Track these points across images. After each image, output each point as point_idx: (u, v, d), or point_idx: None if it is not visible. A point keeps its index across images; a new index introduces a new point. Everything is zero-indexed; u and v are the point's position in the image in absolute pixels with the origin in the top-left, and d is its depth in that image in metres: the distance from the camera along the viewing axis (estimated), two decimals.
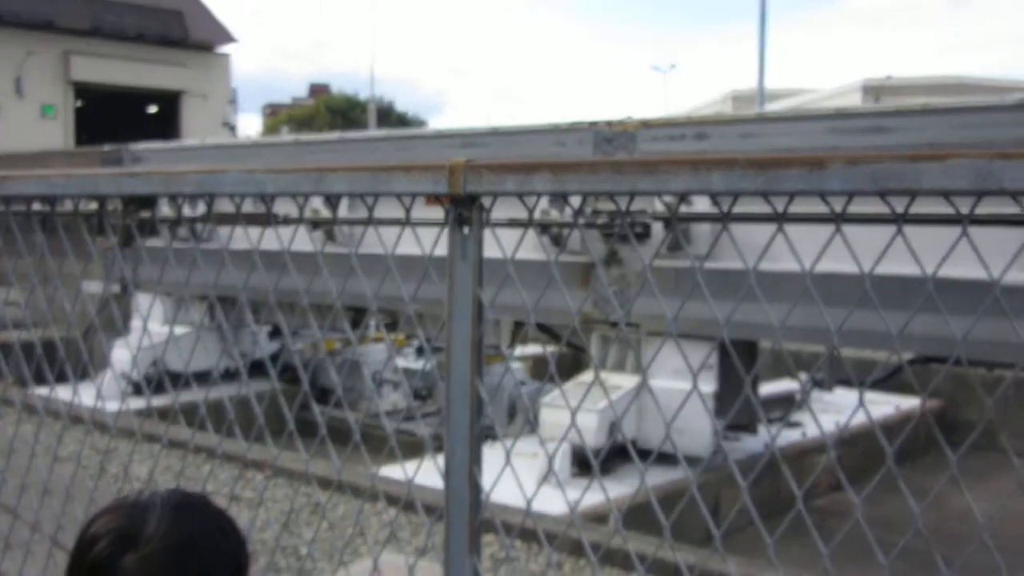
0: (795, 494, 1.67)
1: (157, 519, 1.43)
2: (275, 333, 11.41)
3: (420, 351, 11.37)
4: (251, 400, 2.37)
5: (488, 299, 1.79)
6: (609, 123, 7.65)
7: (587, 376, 8.57)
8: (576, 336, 10.52)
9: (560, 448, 7.54)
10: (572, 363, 12.73)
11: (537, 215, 7.79)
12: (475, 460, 1.78)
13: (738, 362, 1.85)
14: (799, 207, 1.58)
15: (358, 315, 9.99)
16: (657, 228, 7.43)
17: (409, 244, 2.15)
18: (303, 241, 2.43)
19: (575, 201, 1.80)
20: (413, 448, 9.54)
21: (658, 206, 7.16)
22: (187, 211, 9.81)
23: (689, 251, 7.46)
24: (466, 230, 1.77)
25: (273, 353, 10.71)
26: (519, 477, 1.90)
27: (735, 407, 2.03)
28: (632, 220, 7.27)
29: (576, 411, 1.85)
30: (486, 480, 1.82)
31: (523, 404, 9.54)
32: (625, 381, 8.05)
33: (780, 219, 1.58)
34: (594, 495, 6.35)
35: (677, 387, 6.94)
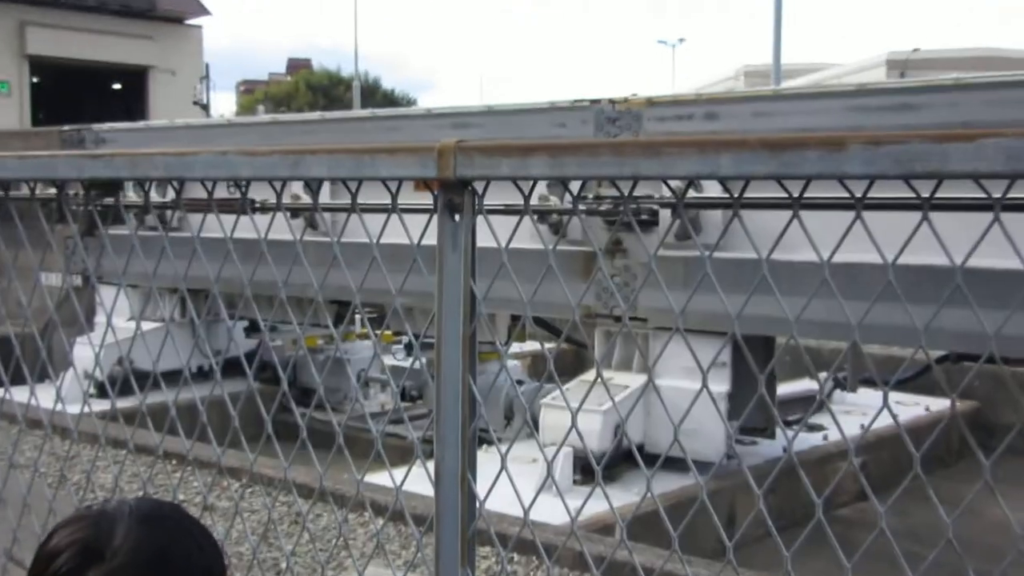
0: (815, 502, 1.68)
1: (125, 530, 1.42)
2: (252, 329, 11.41)
3: (409, 348, 11.39)
4: (226, 401, 2.38)
5: (481, 292, 1.79)
6: (613, 101, 7.65)
7: (590, 375, 8.58)
8: (577, 332, 10.52)
9: (561, 453, 7.55)
10: (573, 361, 12.74)
11: (534, 201, 7.78)
12: (468, 465, 1.79)
13: (751, 360, 1.86)
14: (817, 192, 1.59)
15: (342, 309, 10.00)
16: (664, 215, 7.43)
17: (396, 232, 2.16)
18: (281, 229, 2.43)
19: (575, 186, 1.81)
20: (402, 453, 9.54)
21: (665, 192, 7.17)
22: (155, 197, 9.81)
23: (698, 240, 7.49)
24: (457, 217, 1.77)
25: (250, 351, 10.72)
26: (516, 484, 1.91)
27: (749, 408, 2.04)
28: (637, 206, 7.27)
29: (577, 412, 1.85)
30: (480, 487, 1.83)
31: (520, 405, 9.55)
32: (631, 380, 8.05)
33: (796, 205, 1.59)
34: (598, 503, 6.34)
35: (687, 387, 6.94)
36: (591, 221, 7.67)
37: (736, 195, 1.66)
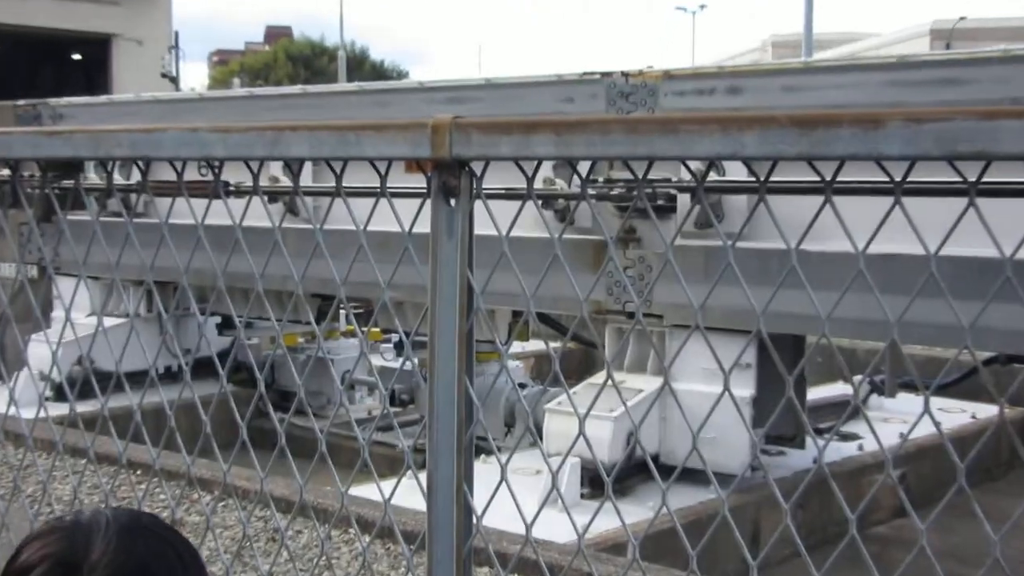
0: (849, 518, 1.68)
1: (103, 543, 1.43)
2: (226, 325, 11.42)
3: (399, 347, 11.40)
4: (196, 405, 2.38)
5: (480, 284, 1.80)
6: (626, 74, 7.65)
7: (599, 377, 8.58)
8: (586, 329, 10.52)
9: (567, 463, 7.56)
10: (582, 362, 12.76)
11: (539, 184, 7.79)
12: (464, 476, 1.79)
13: (779, 361, 1.86)
14: (851, 175, 1.59)
15: (325, 304, 10.01)
16: (683, 201, 7.44)
17: (385, 219, 2.15)
18: (258, 215, 2.43)
19: (583, 168, 1.81)
20: (392, 463, 9.56)
21: (684, 175, 7.17)
22: (118, 179, 9.81)
23: (720, 228, 7.48)
24: (453, 202, 1.77)
25: (223, 349, 10.72)
26: (517, 498, 1.91)
27: (775, 413, 2.04)
28: (652, 191, 7.27)
29: (584, 418, 1.86)
30: (478, 501, 1.84)
31: (522, 411, 9.56)
32: (645, 383, 8.06)
33: (828, 189, 1.59)
34: (608, 520, 6.36)
35: (708, 391, 6.95)
36: (601, 207, 7.67)
37: (762, 178, 1.66)
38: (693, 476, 6.95)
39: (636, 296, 7.65)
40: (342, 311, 10.93)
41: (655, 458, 7.99)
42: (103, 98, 13.25)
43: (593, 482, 7.81)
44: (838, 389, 10.80)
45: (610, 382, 1.85)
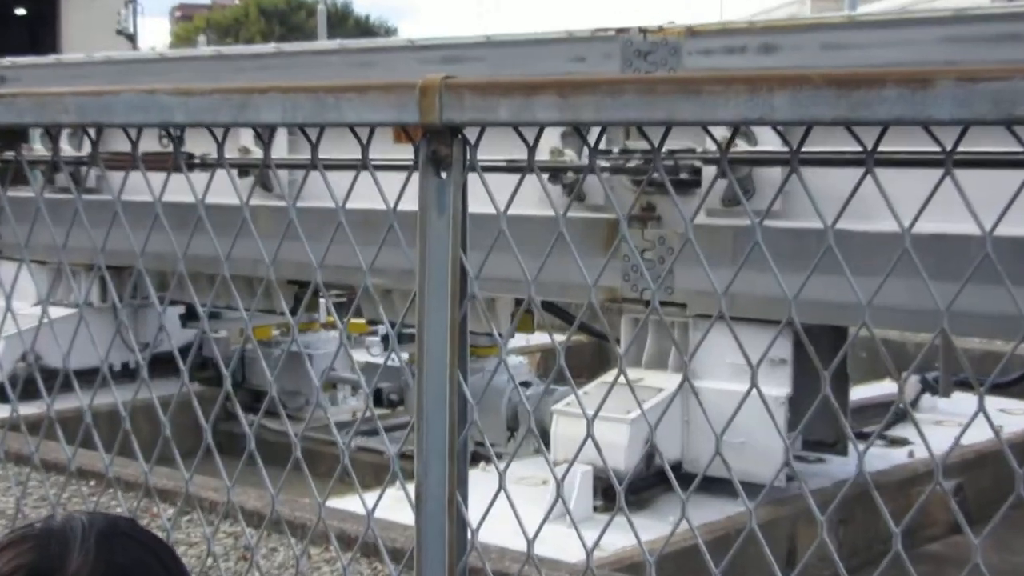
0: (893, 532, 1.69)
1: (80, 552, 1.45)
2: (190, 316, 11.42)
3: (387, 340, 11.40)
4: (155, 406, 2.38)
5: (475, 267, 1.80)
6: (644, 31, 7.63)
7: (613, 375, 8.58)
8: (598, 320, 10.51)
9: (577, 472, 7.58)
10: (594, 357, 12.76)
11: (544, 155, 7.79)
12: (457, 484, 1.80)
13: (814, 356, 1.86)
14: (897, 144, 1.59)
15: (302, 292, 10.01)
16: (709, 174, 7.43)
17: (371, 195, 2.15)
18: (225, 191, 2.43)
19: (594, 136, 1.81)
20: (377, 471, 9.56)
21: (710, 144, 7.16)
22: (67, 149, 9.80)
23: (748, 205, 7.47)
24: (443, 174, 1.77)
25: (187, 343, 10.73)
26: (520, 510, 1.91)
27: (809, 414, 2.04)
28: (674, 162, 7.26)
29: (593, 420, 1.86)
30: (473, 513, 1.84)
31: (526, 412, 9.57)
32: (665, 381, 8.06)
33: (869, 159, 1.59)
34: (623, 536, 6.35)
35: (737, 389, 6.91)
36: (616, 181, 7.66)
37: (795, 147, 1.66)
38: (721, 487, 6.95)
39: (651, 282, 7.64)
40: (322, 300, 10.93)
41: (677, 466, 7.99)
42: (50, 58, 13.23)
43: (607, 493, 7.82)
44: (885, 388, 10.78)
45: (623, 379, 1.85)
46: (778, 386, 7.61)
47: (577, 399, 1.97)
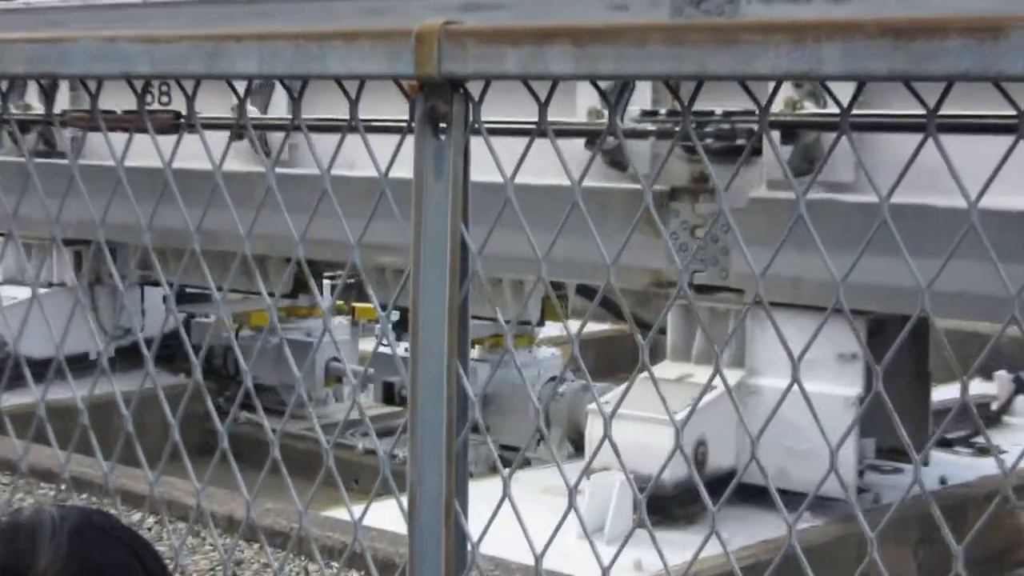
0: (955, 553, 1.68)
1: (51, 548, 1.48)
2: (176, 298, 11.46)
3: (403, 326, 11.37)
4: (117, 400, 2.39)
5: (478, 241, 1.79)
6: None
7: (664, 369, 8.57)
8: (646, 307, 10.50)
9: (616, 481, 7.58)
10: (638, 349, 12.73)
11: (583, 116, 7.77)
12: (456, 492, 1.80)
13: (868, 354, 1.85)
14: (962, 103, 1.57)
15: (302, 272, 10.02)
16: (774, 139, 7.40)
17: (361, 160, 2.14)
18: (199, 155, 2.44)
19: (624, 91, 1.80)
20: (395, 479, 9.57)
21: (779, 104, 7.12)
22: (14, 105, 9.84)
23: (792, 179, 7.46)
24: (443, 136, 1.77)
25: (171, 330, 10.76)
26: (548, 524, 1.90)
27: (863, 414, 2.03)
28: (732, 126, 7.23)
29: (608, 418, 1.85)
30: (482, 524, 1.84)
31: (560, 412, 9.57)
32: (719, 378, 8.04)
33: (930, 122, 1.57)
34: (677, 552, 6.34)
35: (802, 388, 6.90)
36: (661, 148, 7.63)
37: (846, 105, 1.65)
38: (785, 499, 6.93)
39: (678, 264, 7.61)
40: (326, 282, 10.94)
41: (730, 475, 7.98)
42: (18, 2, 13.28)
43: (650, 506, 7.81)
44: (976, 388, 10.73)
45: (637, 372, 1.85)
46: (848, 385, 7.58)
47: (619, 398, 1.97)
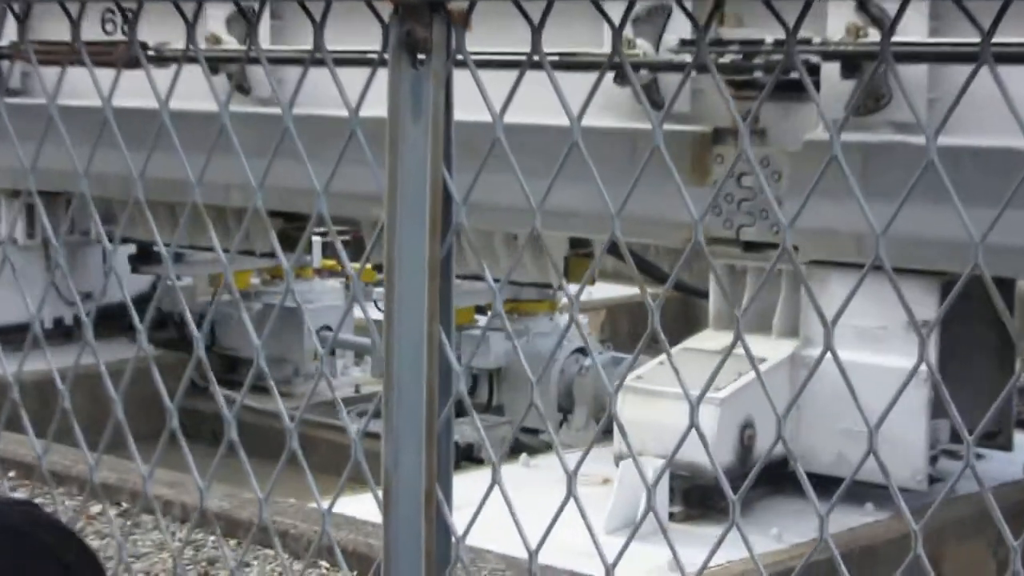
0: (1012, 548, 1.68)
1: None
2: (142, 258, 11.45)
3: None
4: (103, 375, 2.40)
5: (463, 189, 1.79)
6: None
7: (704, 339, 8.56)
8: (689, 270, 10.50)
9: (649, 468, 7.59)
10: (678, 317, 12.72)
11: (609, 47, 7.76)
12: (438, 478, 1.80)
13: (914, 318, 1.85)
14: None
15: (290, 227, 10.02)
16: (830, 73, 7.35)
17: (378, 100, 2.12)
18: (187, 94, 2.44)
19: (616, 13, 1.79)
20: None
21: (832, 33, 7.09)
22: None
23: (839, 120, 7.44)
24: (421, 66, 1.76)
25: (138, 294, 10.77)
26: (569, 514, 1.89)
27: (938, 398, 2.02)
28: (784, 54, 7.20)
29: (633, 396, 1.85)
30: (483, 516, 1.84)
31: (584, 390, 9.57)
32: (770, 350, 8.03)
33: (985, 50, 1.56)
34: (726, 550, 6.34)
35: (864, 362, 6.88)
36: (704, 84, 7.62)
37: (887, 26, 1.64)
38: (856, 488, 6.95)
39: (715, 221, 7.59)
40: (315, 239, 10.95)
41: (782, 462, 7.98)
42: None
43: (690, 497, 7.82)
44: None
45: (659, 348, 1.84)
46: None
47: (654, 372, 1.96)
